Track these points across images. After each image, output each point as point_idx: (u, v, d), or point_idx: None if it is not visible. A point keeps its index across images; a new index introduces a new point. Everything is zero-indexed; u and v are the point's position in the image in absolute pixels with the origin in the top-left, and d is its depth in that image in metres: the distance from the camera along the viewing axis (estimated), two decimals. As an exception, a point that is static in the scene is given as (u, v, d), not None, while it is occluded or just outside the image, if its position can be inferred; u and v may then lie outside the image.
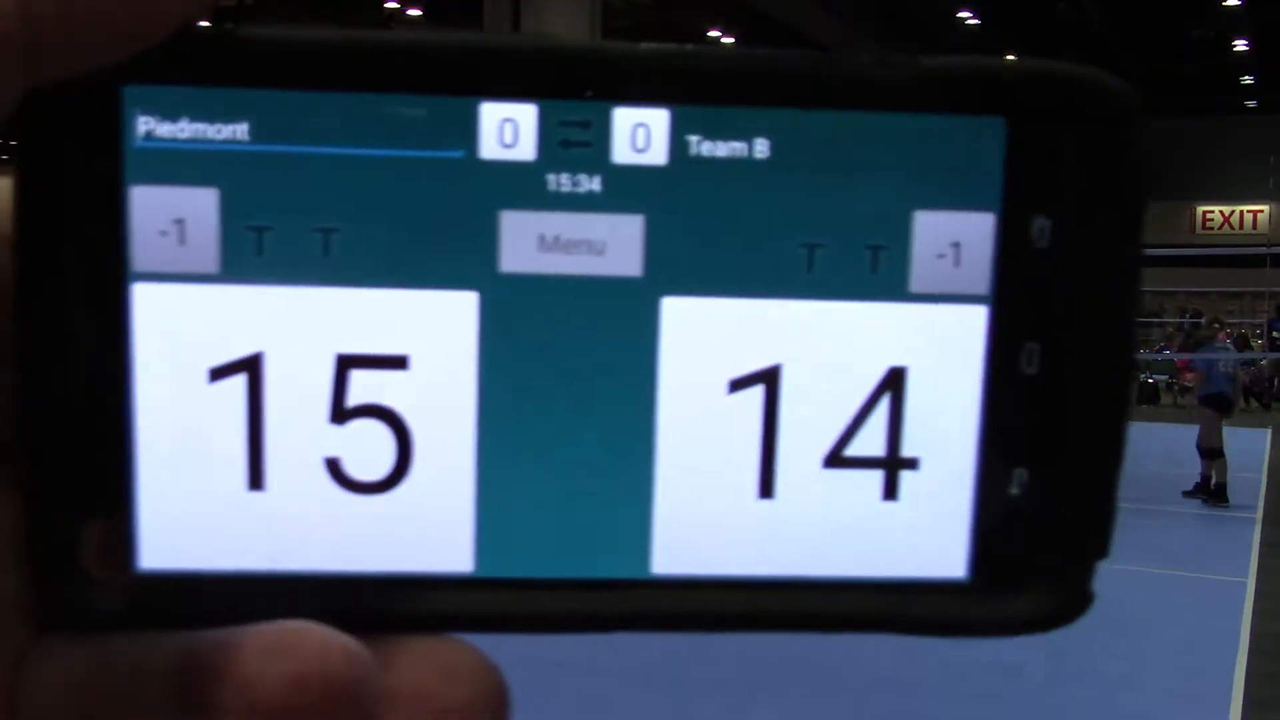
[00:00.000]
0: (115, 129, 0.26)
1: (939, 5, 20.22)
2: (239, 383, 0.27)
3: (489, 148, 0.27)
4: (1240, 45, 22.44)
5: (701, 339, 0.28)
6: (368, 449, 0.27)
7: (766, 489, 0.29)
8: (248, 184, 0.26)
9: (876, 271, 0.28)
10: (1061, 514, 0.29)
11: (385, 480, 0.28)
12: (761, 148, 0.27)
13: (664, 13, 20.80)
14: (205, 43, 0.26)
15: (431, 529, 0.28)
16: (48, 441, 0.26)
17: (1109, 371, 0.29)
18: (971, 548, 0.29)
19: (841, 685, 4.81)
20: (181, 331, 0.27)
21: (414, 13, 20.31)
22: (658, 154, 0.27)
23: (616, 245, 0.27)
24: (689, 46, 0.27)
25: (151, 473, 0.27)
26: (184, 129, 0.26)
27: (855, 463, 0.29)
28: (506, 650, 0.28)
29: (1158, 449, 11.70)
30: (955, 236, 0.28)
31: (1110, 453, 0.29)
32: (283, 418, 0.27)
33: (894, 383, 0.29)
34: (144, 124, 0.26)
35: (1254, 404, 18.55)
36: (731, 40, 21.75)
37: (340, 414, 0.27)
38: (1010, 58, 0.28)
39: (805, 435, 0.29)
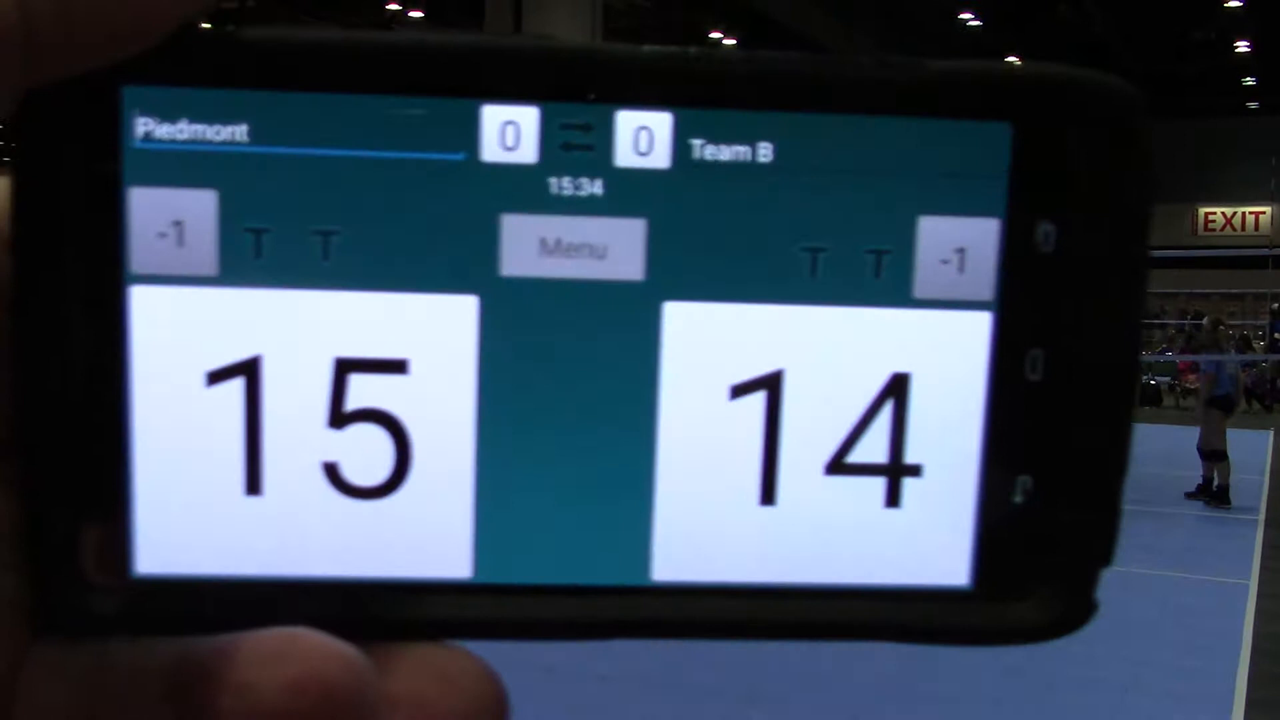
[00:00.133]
0: (114, 130, 0.26)
1: (941, 6, 20.20)
2: (237, 386, 0.27)
3: (490, 150, 0.27)
4: (1242, 46, 22.42)
5: (703, 344, 0.28)
6: (366, 454, 0.27)
7: (768, 495, 0.28)
8: (247, 186, 0.26)
9: (880, 277, 0.28)
10: (1065, 521, 0.29)
11: (384, 485, 0.27)
12: (765, 151, 0.27)
13: (665, 14, 20.80)
14: (205, 44, 0.26)
15: (430, 534, 0.28)
16: (44, 443, 0.26)
17: (1114, 378, 0.29)
18: (975, 555, 0.29)
19: (840, 693, 4.80)
20: (180, 334, 0.26)
21: (416, 14, 20.31)
22: (660, 157, 0.27)
23: (618, 249, 0.27)
24: (692, 49, 0.27)
25: (149, 476, 0.27)
26: (183, 130, 0.26)
27: (858, 469, 0.29)
28: (501, 655, 0.28)
29: (1160, 451, 11.69)
30: (960, 242, 0.28)
31: (1115, 460, 0.29)
32: (281, 421, 0.27)
33: (897, 389, 0.28)
34: (143, 125, 0.26)
35: (1255, 406, 18.53)
36: (733, 42, 21.76)
37: (339, 418, 0.27)
38: (1014, 61, 0.28)
39: (807, 441, 0.28)
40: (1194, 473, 9.58)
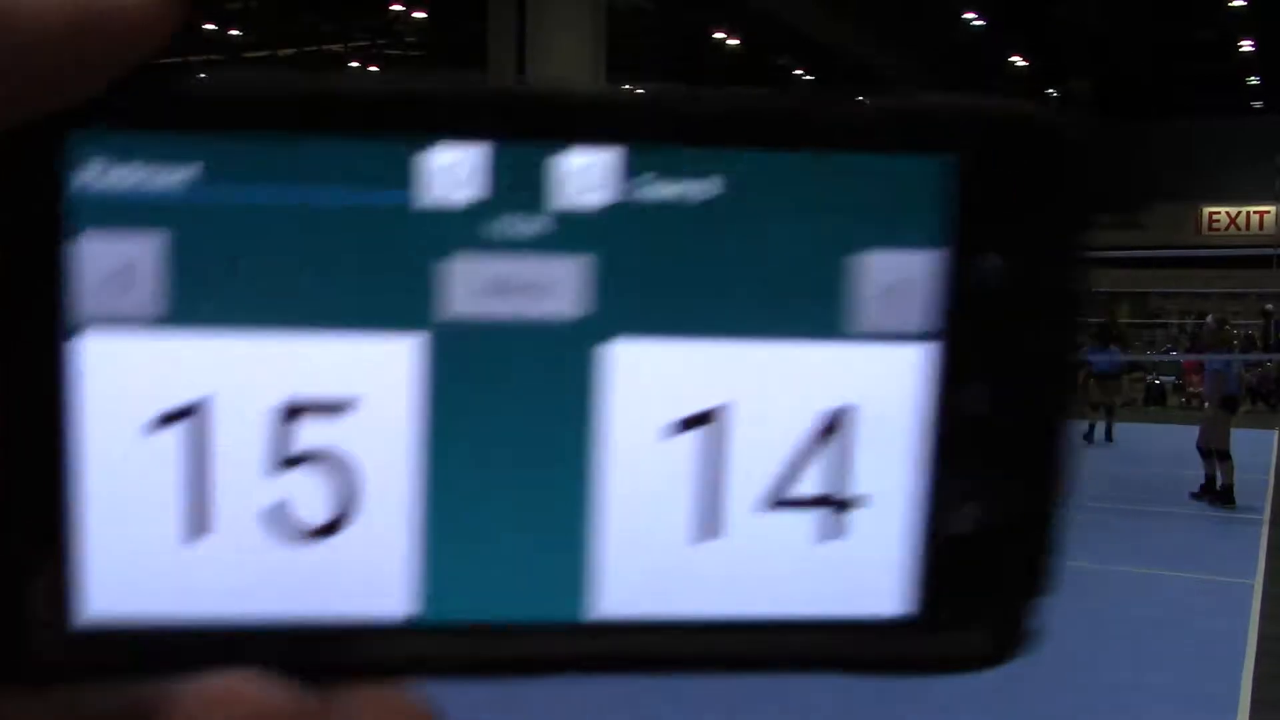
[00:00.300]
0: (60, 174, 0.26)
1: (944, 6, 20.17)
2: (183, 429, 0.27)
3: (434, 191, 0.27)
4: (1246, 46, 22.38)
5: (646, 381, 0.28)
6: (311, 495, 0.27)
7: (711, 529, 0.29)
8: (191, 230, 0.26)
9: (824, 310, 0.28)
10: (1006, 552, 0.29)
11: (328, 526, 0.27)
12: (709, 188, 0.28)
13: (667, 14, 20.79)
14: (151, 88, 0.26)
15: (375, 575, 0.28)
16: None
17: (1053, 409, 0.29)
18: (918, 586, 0.29)
19: (842, 692, 4.78)
20: (125, 378, 0.26)
21: (419, 15, 20.31)
22: (604, 195, 0.27)
23: (562, 288, 0.27)
24: (636, 88, 0.28)
25: (92, 522, 0.26)
26: (129, 175, 0.26)
27: (801, 502, 0.29)
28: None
29: (1165, 451, 11.66)
30: (903, 274, 0.28)
31: (1053, 491, 0.29)
32: (227, 464, 0.27)
33: (841, 422, 0.29)
34: (88, 169, 0.26)
35: (1261, 405, 18.50)
36: (736, 42, 21.74)
37: (283, 460, 0.27)
38: (957, 95, 0.29)
39: (751, 475, 0.29)
40: (1200, 472, 9.55)
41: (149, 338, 0.26)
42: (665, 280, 0.28)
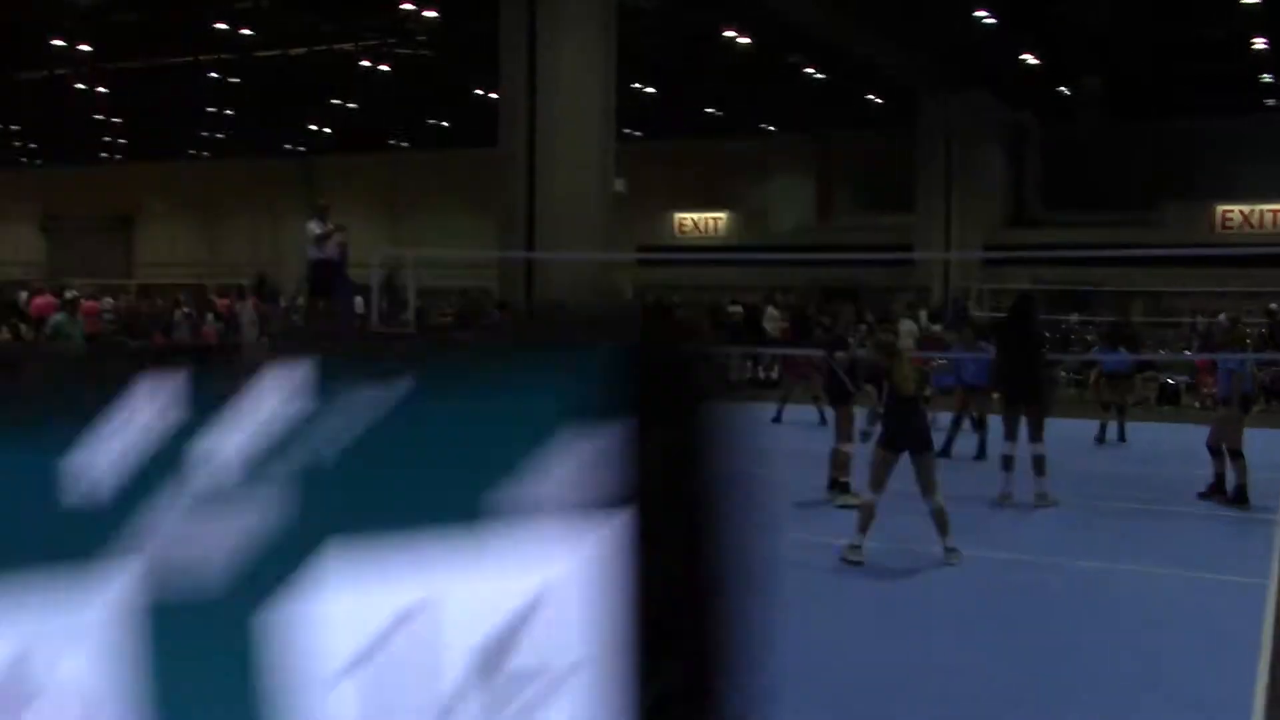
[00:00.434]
0: None
1: (957, 4, 20.10)
2: None
3: None
4: (1259, 44, 22.26)
5: (354, 584, 0.30)
6: None
7: (437, 711, 0.31)
8: None
9: (519, 491, 0.31)
10: (703, 699, 0.32)
11: None
12: (405, 386, 0.30)
13: (678, 13, 20.75)
14: None
15: None
16: None
17: (727, 571, 0.33)
18: None
19: (842, 694, 4.76)
20: None
21: (430, 14, 20.31)
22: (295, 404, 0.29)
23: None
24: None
25: None
26: None
27: (517, 675, 0.32)
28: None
29: (1177, 450, 11.60)
30: (595, 451, 0.32)
31: (725, 644, 0.32)
32: None
33: (546, 596, 0.31)
34: None
35: (1273, 404, 18.39)
36: (746, 41, 21.67)
37: None
38: (617, 301, 0.34)
39: (467, 656, 0.31)
40: (1210, 472, 9.48)
41: None
42: (355, 486, 0.30)
